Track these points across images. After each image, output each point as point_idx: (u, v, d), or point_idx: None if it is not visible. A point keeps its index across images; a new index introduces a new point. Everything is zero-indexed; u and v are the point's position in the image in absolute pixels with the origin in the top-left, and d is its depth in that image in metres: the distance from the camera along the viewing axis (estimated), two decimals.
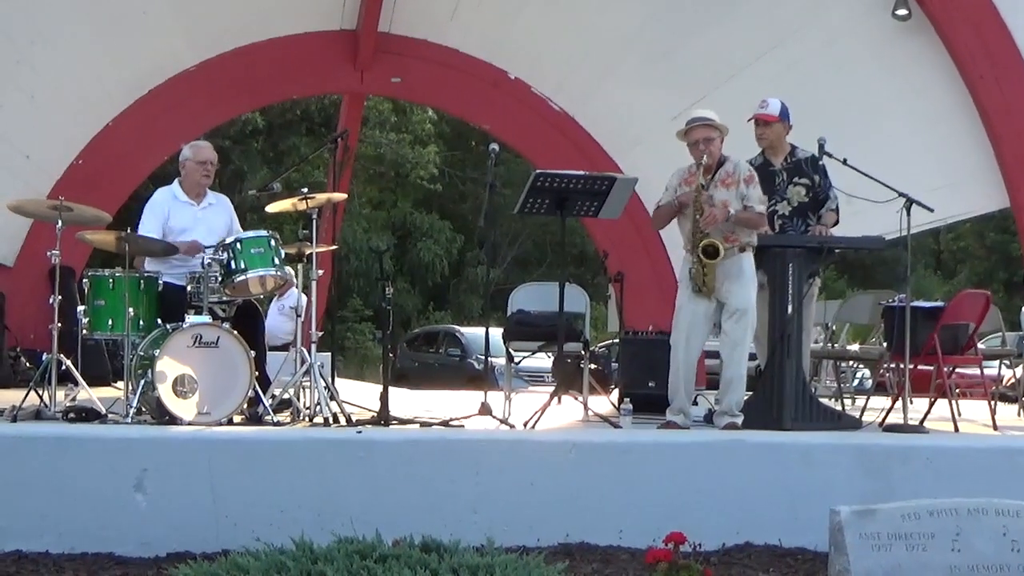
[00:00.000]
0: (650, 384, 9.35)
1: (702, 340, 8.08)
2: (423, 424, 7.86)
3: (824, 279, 9.74)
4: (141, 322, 7.81)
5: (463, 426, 7.84)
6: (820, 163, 8.69)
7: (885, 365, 10.27)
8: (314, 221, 8.28)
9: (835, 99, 11.90)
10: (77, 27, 12.35)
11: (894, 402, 8.63)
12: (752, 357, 8.95)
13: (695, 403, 9.51)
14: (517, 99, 14.47)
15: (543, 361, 13.87)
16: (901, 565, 5.45)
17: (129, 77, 13.34)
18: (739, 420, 7.85)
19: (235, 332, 7.63)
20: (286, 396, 8.15)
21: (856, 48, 12.20)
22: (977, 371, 9.40)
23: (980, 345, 9.80)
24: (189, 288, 7.96)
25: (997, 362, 11.38)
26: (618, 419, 8.18)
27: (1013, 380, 12.28)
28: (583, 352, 9.32)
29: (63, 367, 7.75)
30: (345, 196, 9.84)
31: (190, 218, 8.50)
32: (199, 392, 7.40)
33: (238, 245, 7.87)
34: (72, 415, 7.54)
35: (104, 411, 7.59)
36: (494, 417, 8.07)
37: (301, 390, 8.18)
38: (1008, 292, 28.99)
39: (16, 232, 12.89)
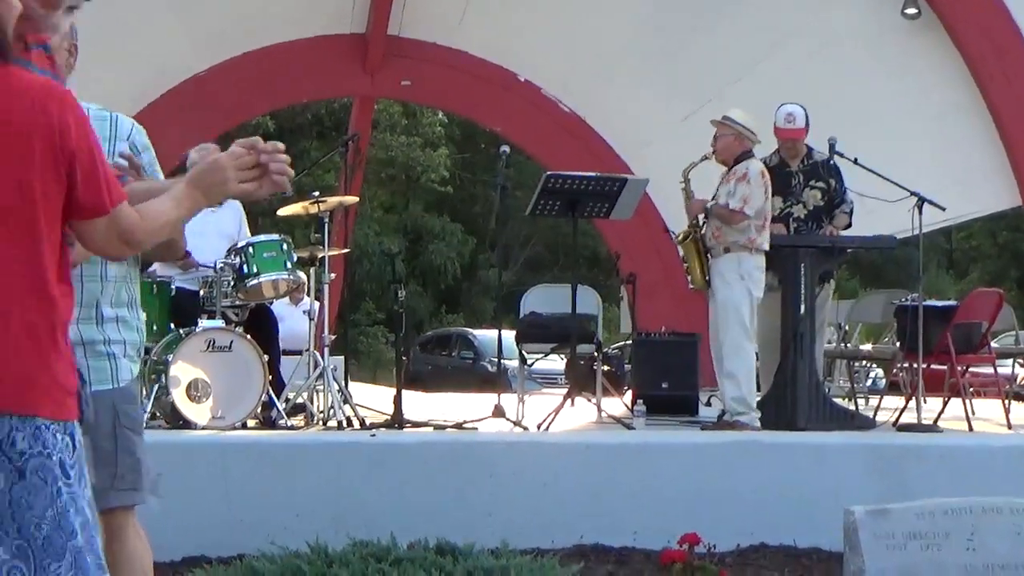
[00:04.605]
0: (663, 385, 9.35)
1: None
2: (437, 427, 7.86)
3: (837, 279, 9.71)
4: (154, 327, 7.79)
5: (477, 429, 7.83)
6: (835, 166, 8.66)
7: (898, 364, 10.26)
8: (326, 225, 8.28)
9: (845, 98, 11.89)
10: (83, 31, 12.34)
11: (907, 401, 8.61)
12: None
13: (708, 404, 9.52)
14: (527, 101, 14.50)
15: (556, 363, 13.88)
16: (916, 565, 5.43)
17: (139, 82, 13.36)
18: (745, 418, 7.71)
19: (248, 336, 7.63)
20: (300, 400, 8.17)
21: (865, 47, 12.19)
22: (990, 370, 9.38)
23: (993, 344, 9.77)
24: (202, 293, 7.97)
25: (1010, 360, 11.35)
26: (631, 421, 8.18)
27: None
28: (596, 354, 9.30)
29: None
30: (356, 199, 9.87)
31: (201, 221, 8.43)
32: (213, 396, 7.40)
33: (250, 249, 7.86)
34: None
35: None
36: (508, 419, 8.06)
37: (315, 394, 8.19)
38: (1021, 290, 28.92)
39: None
